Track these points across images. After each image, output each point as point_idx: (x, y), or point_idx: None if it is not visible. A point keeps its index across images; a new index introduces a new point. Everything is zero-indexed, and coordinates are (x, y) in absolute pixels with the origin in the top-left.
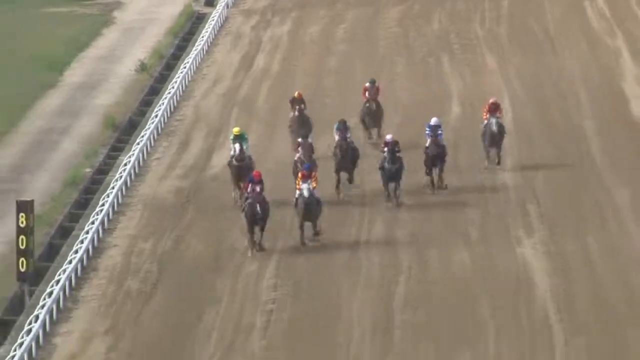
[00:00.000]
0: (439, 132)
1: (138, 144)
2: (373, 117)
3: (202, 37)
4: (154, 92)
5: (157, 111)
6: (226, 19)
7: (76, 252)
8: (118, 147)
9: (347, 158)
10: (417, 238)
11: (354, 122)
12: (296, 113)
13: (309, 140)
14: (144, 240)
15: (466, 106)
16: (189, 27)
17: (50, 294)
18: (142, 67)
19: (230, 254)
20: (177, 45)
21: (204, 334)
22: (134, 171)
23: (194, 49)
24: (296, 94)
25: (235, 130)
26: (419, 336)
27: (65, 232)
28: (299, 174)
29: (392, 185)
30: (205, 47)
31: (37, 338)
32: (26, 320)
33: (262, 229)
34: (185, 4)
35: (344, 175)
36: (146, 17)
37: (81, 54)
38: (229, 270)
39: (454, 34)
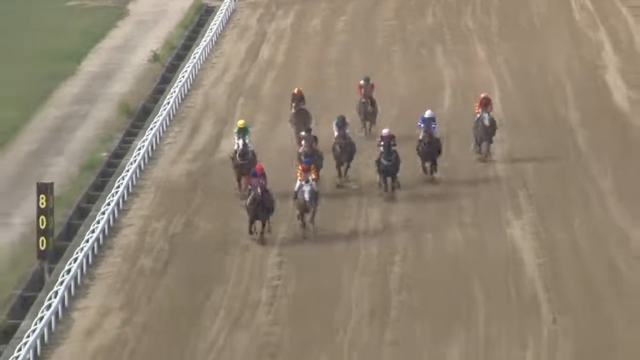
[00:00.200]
0: (433, 125)
1: (151, 129)
2: (367, 113)
3: (211, 29)
4: (166, 80)
5: (168, 99)
6: (233, 11)
7: (93, 231)
8: (132, 132)
9: (347, 153)
10: (412, 222)
11: (351, 115)
12: (293, 110)
13: (312, 133)
14: (156, 220)
15: (458, 95)
16: (198, 19)
17: (69, 271)
18: (155, 57)
19: (238, 233)
20: (187, 37)
21: (212, 310)
22: (148, 155)
23: (203, 40)
24: (296, 90)
25: (240, 123)
26: (415, 315)
27: (83, 212)
28: (299, 167)
29: (388, 179)
30: (214, 39)
31: (56, 313)
32: (46, 296)
33: (263, 223)
34: None
35: (343, 169)
36: (158, 9)
37: (97, 44)
38: (236, 249)
39: (446, 27)
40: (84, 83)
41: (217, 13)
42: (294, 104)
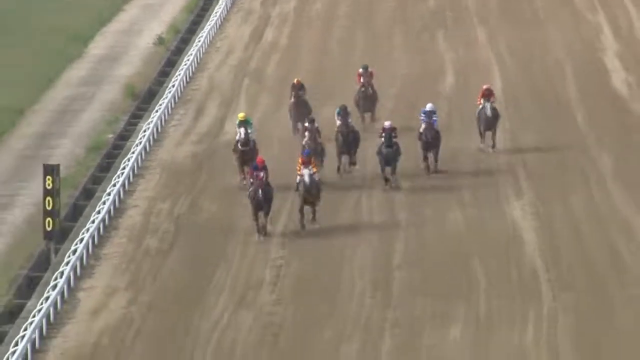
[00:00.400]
0: (434, 117)
1: (157, 111)
2: (367, 101)
3: (216, 13)
4: (171, 63)
5: (174, 81)
6: None
7: (99, 212)
8: (138, 114)
9: (349, 142)
10: (413, 202)
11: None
12: (292, 99)
13: (315, 125)
14: (162, 201)
15: (459, 77)
16: (202, 3)
17: (75, 251)
18: (160, 41)
19: (241, 214)
20: (192, 21)
21: (217, 289)
22: (153, 137)
23: (208, 24)
24: (295, 80)
25: (241, 115)
26: (416, 293)
27: (89, 193)
28: (299, 159)
29: (388, 169)
30: (218, 22)
31: (62, 293)
32: (52, 276)
33: (266, 214)
34: None
35: (345, 158)
36: None
37: (104, 28)
38: (240, 230)
39: (448, 10)
40: (91, 66)
41: None
42: (293, 93)
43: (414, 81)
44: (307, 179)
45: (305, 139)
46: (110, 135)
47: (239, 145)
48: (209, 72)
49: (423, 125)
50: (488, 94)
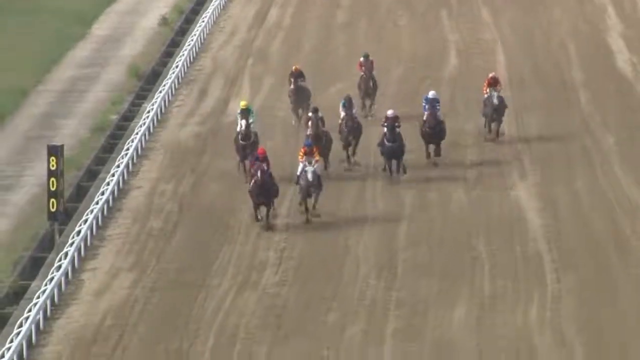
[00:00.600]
0: (437, 106)
1: (160, 92)
2: (367, 90)
3: None
4: (175, 44)
5: (177, 62)
6: None
7: (103, 193)
8: (142, 95)
9: (353, 133)
10: (417, 183)
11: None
12: (292, 87)
13: (319, 114)
14: (165, 182)
15: (463, 58)
16: None
17: (79, 232)
18: (164, 21)
19: (244, 195)
20: (196, 1)
21: (220, 270)
22: (157, 118)
23: (212, 4)
24: (294, 67)
25: (243, 103)
26: (421, 274)
27: (93, 174)
28: (301, 149)
29: (393, 162)
30: (222, 2)
31: (66, 274)
32: (56, 257)
33: (268, 207)
34: None
35: (351, 150)
36: None
37: (108, 8)
38: (243, 211)
39: None
40: (95, 46)
41: None
42: (292, 81)
43: (417, 62)
44: (309, 175)
45: (309, 130)
46: (114, 116)
47: (239, 138)
48: (213, 52)
49: (425, 114)
50: (494, 83)
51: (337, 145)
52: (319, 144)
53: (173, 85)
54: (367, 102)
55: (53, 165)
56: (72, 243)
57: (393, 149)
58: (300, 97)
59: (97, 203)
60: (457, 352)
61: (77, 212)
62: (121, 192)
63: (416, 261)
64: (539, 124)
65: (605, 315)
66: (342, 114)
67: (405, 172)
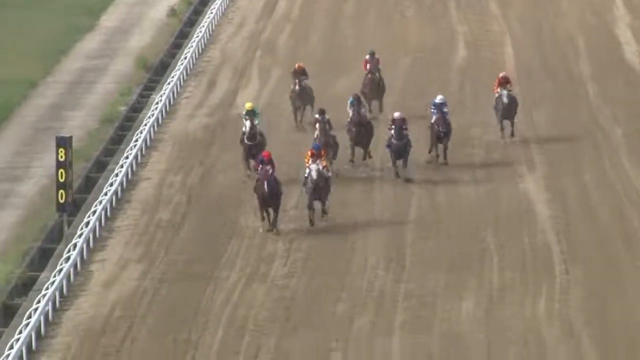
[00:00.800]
0: (445, 109)
1: (169, 83)
2: (374, 89)
3: None
4: (184, 35)
5: (186, 53)
6: None
7: (111, 184)
8: (150, 86)
9: (362, 133)
10: (426, 176)
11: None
12: (297, 87)
13: (326, 116)
14: (174, 173)
15: (471, 50)
16: None
17: (87, 224)
18: (173, 13)
19: (253, 186)
20: None
21: (229, 262)
22: (165, 109)
23: None
24: (297, 66)
25: (248, 105)
26: (429, 264)
27: (101, 166)
28: (309, 152)
29: (399, 162)
30: None
31: (75, 265)
32: (65, 249)
33: (274, 210)
34: None
35: (358, 150)
36: None
37: (116, 0)
38: (252, 202)
39: None
40: (103, 38)
41: None
42: (296, 80)
43: (425, 53)
44: (314, 174)
45: (316, 133)
46: (123, 107)
47: (245, 139)
48: (222, 44)
49: (434, 117)
50: (505, 82)
51: (343, 148)
52: (326, 147)
53: (181, 76)
54: (374, 103)
55: (62, 157)
56: (81, 234)
57: (400, 147)
58: (303, 98)
59: (105, 194)
60: (466, 344)
61: (86, 204)
62: (130, 184)
63: (424, 253)
64: (547, 116)
65: (613, 306)
66: (350, 113)
67: (409, 169)
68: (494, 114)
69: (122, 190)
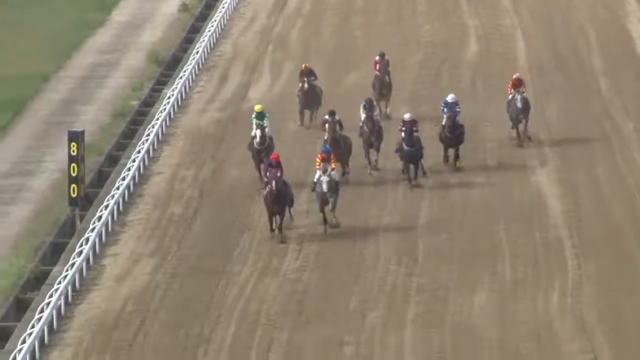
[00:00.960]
0: (457, 109)
1: (181, 78)
2: (382, 90)
3: None
4: (195, 30)
5: (198, 48)
6: None
7: (123, 179)
8: (162, 81)
9: (375, 136)
10: (438, 170)
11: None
12: (306, 86)
13: (336, 117)
14: (186, 168)
15: (482, 44)
16: None
17: (100, 218)
18: (184, 7)
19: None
20: None
21: (241, 256)
22: (177, 103)
23: None
24: (303, 66)
25: (257, 107)
26: (441, 258)
27: (114, 160)
28: (318, 156)
29: (411, 167)
30: None
31: (87, 259)
32: (77, 243)
33: (282, 216)
34: None
35: (372, 153)
36: None
37: None
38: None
39: None
40: (115, 32)
41: None
42: (304, 79)
43: (437, 47)
44: (324, 186)
45: (326, 135)
46: (135, 102)
47: (254, 143)
48: (233, 38)
49: (444, 118)
50: (518, 84)
51: (357, 149)
52: (336, 149)
53: (193, 71)
54: (382, 104)
55: (74, 151)
56: (93, 229)
57: (411, 153)
58: (310, 98)
59: (118, 189)
60: (478, 338)
61: (98, 198)
62: (142, 178)
63: (437, 247)
64: (559, 110)
65: (625, 301)
66: (363, 116)
67: (424, 174)
68: (505, 108)
69: (134, 184)
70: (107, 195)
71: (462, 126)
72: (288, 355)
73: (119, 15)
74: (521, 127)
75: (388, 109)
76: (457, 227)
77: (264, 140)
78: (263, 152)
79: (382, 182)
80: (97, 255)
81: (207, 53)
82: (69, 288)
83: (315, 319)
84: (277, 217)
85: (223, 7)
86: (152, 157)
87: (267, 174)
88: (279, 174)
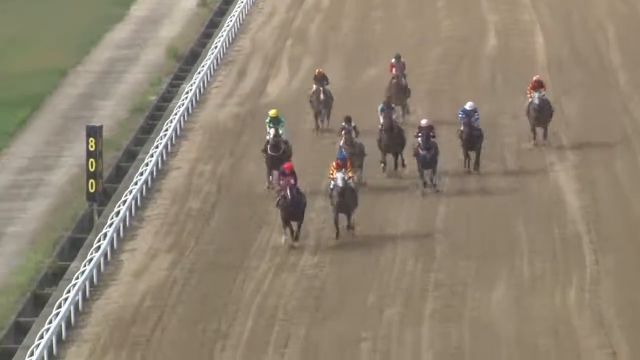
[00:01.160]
0: (475, 116)
1: (199, 73)
2: (399, 93)
3: None
4: (214, 25)
5: (216, 43)
6: None
7: (141, 174)
8: (181, 76)
9: (394, 140)
10: (455, 166)
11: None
12: (322, 96)
13: (352, 124)
14: (204, 163)
15: (502, 38)
16: None
17: (118, 213)
18: (203, 2)
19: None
20: None
21: (259, 252)
22: (195, 98)
23: None
24: (317, 71)
25: (272, 112)
26: (459, 254)
27: (132, 155)
28: (334, 163)
29: (428, 172)
30: None
31: (105, 254)
32: (95, 238)
33: (299, 223)
34: None
35: (390, 157)
36: None
37: None
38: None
39: None
40: (133, 27)
41: None
42: (320, 88)
43: (456, 42)
44: (340, 182)
45: (342, 141)
46: (153, 97)
47: (269, 149)
48: (252, 33)
49: (462, 126)
50: (538, 86)
51: (373, 156)
52: (352, 155)
53: (212, 66)
54: (398, 109)
55: (92, 146)
56: (111, 224)
57: (427, 158)
58: (322, 103)
59: (136, 184)
60: (496, 334)
61: (116, 193)
62: (160, 173)
63: (454, 243)
64: (578, 105)
65: None
66: (381, 119)
67: (439, 179)
68: (523, 103)
69: (152, 179)
70: (125, 190)
71: (480, 130)
72: (305, 350)
73: (138, 10)
74: (540, 131)
75: (404, 116)
76: (475, 223)
77: (279, 144)
78: (277, 159)
79: (398, 187)
80: (115, 250)
81: (226, 48)
82: (87, 283)
83: (333, 315)
84: (293, 224)
85: (242, 2)
86: (170, 152)
87: (281, 183)
88: (292, 181)
